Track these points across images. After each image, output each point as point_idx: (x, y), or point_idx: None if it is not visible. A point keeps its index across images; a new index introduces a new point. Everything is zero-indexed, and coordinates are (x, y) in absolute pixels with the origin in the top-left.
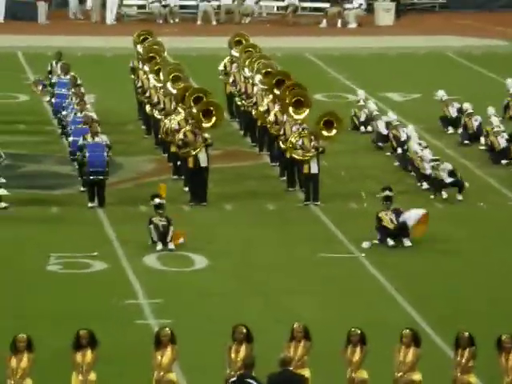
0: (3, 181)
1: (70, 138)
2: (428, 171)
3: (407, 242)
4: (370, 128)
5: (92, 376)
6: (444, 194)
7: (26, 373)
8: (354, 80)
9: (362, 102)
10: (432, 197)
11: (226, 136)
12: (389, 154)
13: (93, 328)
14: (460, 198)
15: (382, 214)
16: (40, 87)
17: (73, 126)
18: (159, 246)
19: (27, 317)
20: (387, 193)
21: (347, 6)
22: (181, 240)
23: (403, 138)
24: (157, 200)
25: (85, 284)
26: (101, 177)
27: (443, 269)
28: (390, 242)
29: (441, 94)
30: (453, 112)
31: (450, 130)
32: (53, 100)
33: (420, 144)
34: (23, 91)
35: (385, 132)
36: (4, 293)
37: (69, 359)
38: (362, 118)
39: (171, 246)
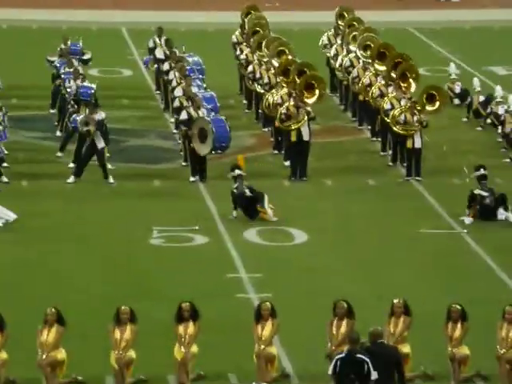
0: (107, 155)
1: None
2: None
3: (501, 215)
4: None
5: (194, 348)
6: None
7: (130, 344)
8: (457, 54)
9: (454, 76)
10: None
11: (327, 110)
12: (480, 128)
13: (195, 301)
14: None
15: (478, 192)
16: (151, 65)
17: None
18: (234, 213)
19: (130, 289)
20: (482, 171)
21: None
22: (274, 218)
23: (500, 112)
24: (237, 171)
25: (186, 257)
26: (220, 151)
27: None
28: (500, 215)
29: None
30: None
31: None
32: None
33: None
34: (127, 66)
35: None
36: (108, 265)
37: (171, 331)
38: (457, 91)
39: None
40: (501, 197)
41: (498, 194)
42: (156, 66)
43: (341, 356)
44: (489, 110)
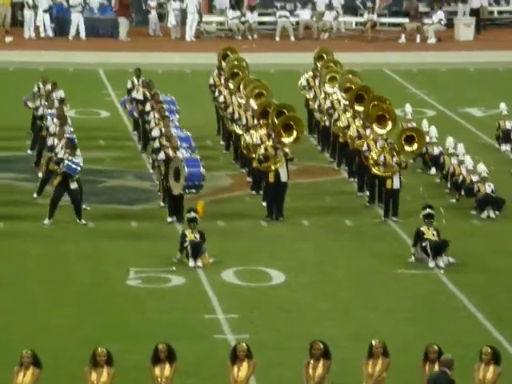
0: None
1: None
2: (475, 187)
3: (452, 259)
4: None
5: None
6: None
7: None
8: (433, 95)
9: (409, 116)
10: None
11: (304, 151)
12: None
13: (171, 342)
14: (493, 215)
15: (423, 229)
16: (128, 106)
17: (157, 143)
18: (191, 263)
19: (107, 330)
20: (428, 211)
21: (426, 21)
22: (211, 259)
23: (436, 153)
24: (192, 214)
25: (163, 298)
26: (194, 190)
27: None
28: (431, 263)
29: (502, 107)
30: (508, 127)
31: (503, 146)
32: (141, 116)
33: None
34: (104, 107)
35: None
36: (84, 306)
37: (148, 373)
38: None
39: (199, 263)
40: (443, 242)
41: (442, 239)
42: (132, 106)
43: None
44: (424, 150)
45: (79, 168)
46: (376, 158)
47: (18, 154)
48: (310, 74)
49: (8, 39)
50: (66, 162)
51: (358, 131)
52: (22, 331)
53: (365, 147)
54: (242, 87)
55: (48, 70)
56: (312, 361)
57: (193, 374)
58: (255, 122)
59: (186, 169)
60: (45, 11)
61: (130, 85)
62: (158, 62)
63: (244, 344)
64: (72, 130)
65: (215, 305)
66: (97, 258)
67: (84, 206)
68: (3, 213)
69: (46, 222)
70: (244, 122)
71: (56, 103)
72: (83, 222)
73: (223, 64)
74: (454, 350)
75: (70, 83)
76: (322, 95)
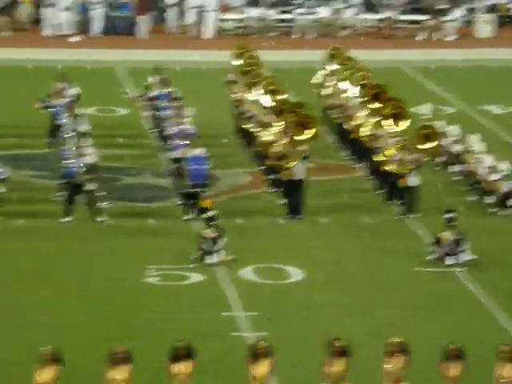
0: (103, 193)
1: (171, 153)
2: (496, 184)
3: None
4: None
5: None
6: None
7: None
8: (451, 93)
9: (429, 116)
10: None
11: (322, 149)
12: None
13: (190, 340)
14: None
15: (443, 235)
16: (141, 102)
17: (172, 141)
18: (209, 260)
19: (124, 328)
20: (451, 215)
21: (446, 18)
22: (230, 257)
23: (455, 151)
24: (210, 213)
25: (182, 296)
26: (200, 189)
27: None
28: (449, 260)
29: None
30: None
31: None
32: (156, 113)
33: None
34: (122, 105)
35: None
36: (102, 304)
37: (166, 371)
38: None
39: (215, 258)
40: (461, 237)
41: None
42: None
43: None
44: (445, 148)
45: (76, 168)
46: (390, 155)
47: (35, 152)
48: (326, 71)
49: (74, 39)
50: (64, 169)
51: (372, 129)
52: (41, 328)
53: (379, 144)
54: (258, 85)
55: (66, 68)
56: (331, 358)
57: (211, 372)
58: (269, 119)
59: (190, 166)
60: (65, 9)
61: (149, 82)
62: (176, 59)
63: (264, 342)
64: (87, 127)
65: (233, 302)
66: (114, 256)
67: (105, 203)
68: (22, 210)
69: (66, 219)
70: (258, 119)
71: (67, 100)
72: (101, 219)
73: (236, 62)
74: (473, 349)
75: (89, 81)
76: (338, 93)
